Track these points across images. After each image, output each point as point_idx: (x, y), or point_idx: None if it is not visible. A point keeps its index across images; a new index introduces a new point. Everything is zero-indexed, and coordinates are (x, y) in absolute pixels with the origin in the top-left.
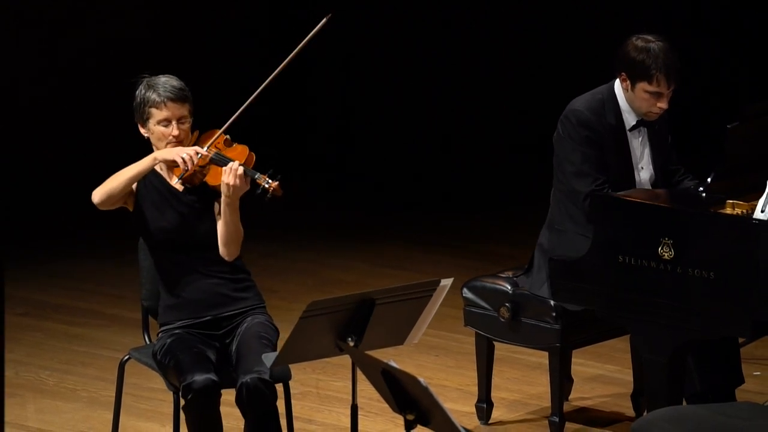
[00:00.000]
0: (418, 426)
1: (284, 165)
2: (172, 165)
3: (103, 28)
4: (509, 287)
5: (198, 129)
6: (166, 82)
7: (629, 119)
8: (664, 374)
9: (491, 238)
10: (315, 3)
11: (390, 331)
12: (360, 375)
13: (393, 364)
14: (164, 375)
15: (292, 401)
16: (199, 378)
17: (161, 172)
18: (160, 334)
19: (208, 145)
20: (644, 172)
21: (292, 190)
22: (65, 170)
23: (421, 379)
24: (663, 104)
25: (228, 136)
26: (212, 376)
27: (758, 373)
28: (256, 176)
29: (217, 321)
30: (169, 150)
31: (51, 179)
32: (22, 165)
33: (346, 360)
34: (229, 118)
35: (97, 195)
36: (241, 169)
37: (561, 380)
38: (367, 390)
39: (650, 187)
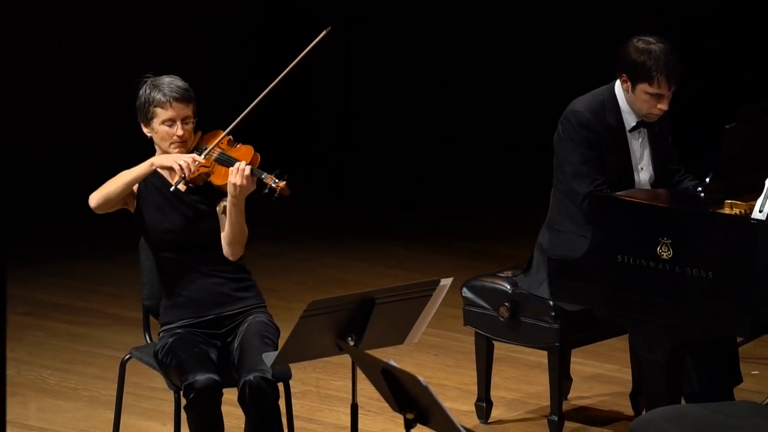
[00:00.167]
0: (418, 425)
1: (284, 165)
2: (169, 169)
3: (103, 28)
4: (508, 287)
5: (200, 129)
6: (171, 82)
7: (629, 120)
8: (663, 373)
9: (491, 238)
10: (315, 3)
11: (390, 330)
12: (360, 374)
13: (393, 363)
14: (165, 374)
15: (293, 400)
16: (201, 377)
17: (162, 173)
18: (161, 334)
19: (212, 145)
20: (644, 173)
21: (293, 190)
22: (65, 170)
23: (421, 378)
24: (663, 105)
25: (231, 137)
26: (214, 376)
27: (756, 372)
28: (263, 176)
29: (219, 320)
30: (167, 156)
31: (51, 179)
32: (23, 165)
33: (346, 359)
34: (229, 118)
35: (94, 199)
36: (248, 169)
37: (560, 379)
38: (367, 389)
39: (650, 188)
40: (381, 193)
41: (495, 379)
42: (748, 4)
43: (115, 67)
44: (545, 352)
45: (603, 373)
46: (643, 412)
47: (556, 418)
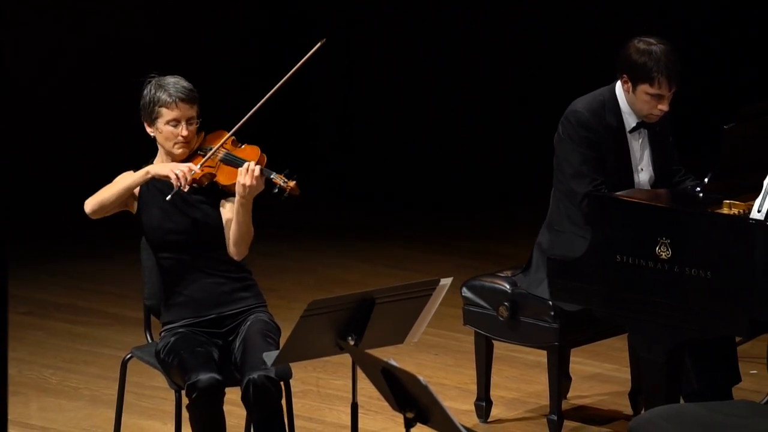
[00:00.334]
0: (418, 424)
1: (285, 165)
2: (166, 178)
3: (103, 28)
4: (508, 286)
5: (202, 130)
6: (177, 82)
7: (629, 121)
8: (662, 373)
9: (491, 238)
10: (315, 3)
11: (390, 329)
12: (360, 373)
13: (393, 362)
14: (167, 374)
15: (293, 399)
16: (204, 377)
17: None
18: (162, 333)
19: (217, 145)
20: (643, 174)
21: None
22: (65, 170)
23: (421, 378)
24: (664, 106)
25: (234, 137)
26: (216, 375)
27: (755, 371)
28: (272, 176)
29: (220, 319)
30: (163, 165)
31: (51, 179)
32: (23, 165)
33: (346, 359)
34: (229, 118)
35: (89, 205)
36: (258, 170)
37: (559, 379)
38: (367, 388)
39: (649, 189)
40: (381, 193)
41: (494, 379)
42: (748, 4)
43: (115, 67)
44: (544, 352)
45: (602, 373)
46: (642, 412)
47: (555, 418)
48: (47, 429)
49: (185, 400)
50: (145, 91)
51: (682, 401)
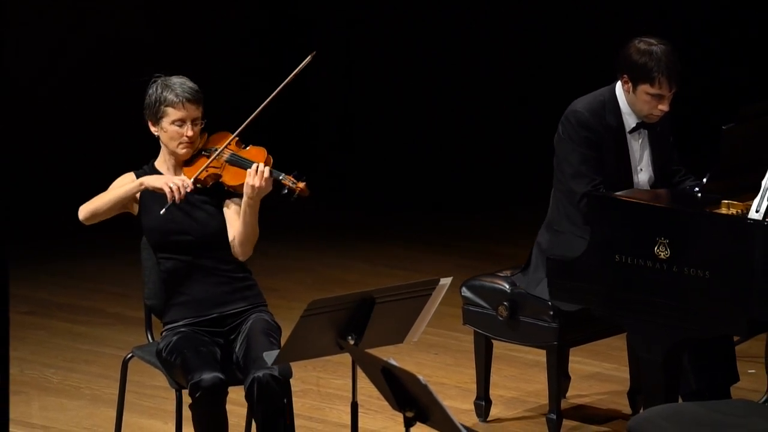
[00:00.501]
0: (418, 423)
1: (284, 164)
2: (160, 191)
3: (103, 28)
4: (507, 286)
5: (205, 131)
6: (183, 83)
7: (629, 121)
8: (661, 372)
9: (491, 238)
10: (315, 3)
11: (390, 329)
12: (360, 373)
13: (393, 362)
14: (169, 373)
15: (293, 399)
16: (207, 376)
17: (166, 174)
18: (164, 333)
19: (222, 146)
20: (643, 174)
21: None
22: (65, 170)
23: (421, 377)
24: (664, 106)
25: (238, 138)
26: (220, 375)
27: (753, 371)
28: (281, 177)
29: (221, 318)
30: (158, 177)
31: (51, 179)
32: (23, 165)
33: (346, 358)
34: (229, 117)
35: (82, 213)
36: (267, 171)
37: (558, 378)
38: (367, 388)
39: (648, 189)
40: (381, 193)
41: (494, 378)
42: (748, 4)
43: (115, 67)
44: (544, 351)
45: (601, 372)
46: (641, 411)
47: (554, 417)
48: (49, 428)
49: (186, 400)
50: (151, 91)
51: (680, 401)
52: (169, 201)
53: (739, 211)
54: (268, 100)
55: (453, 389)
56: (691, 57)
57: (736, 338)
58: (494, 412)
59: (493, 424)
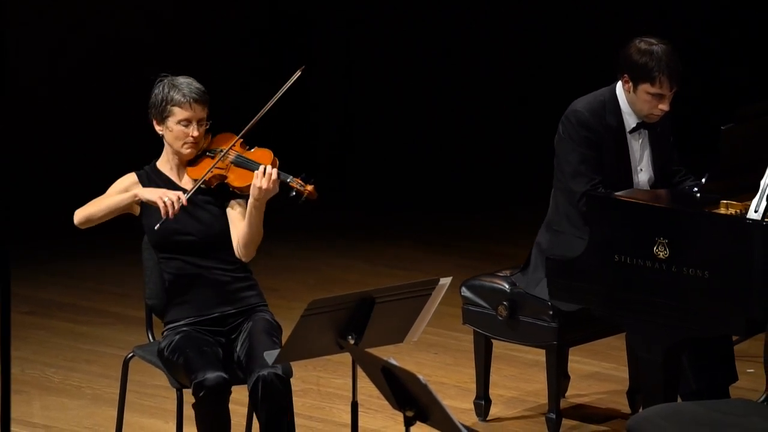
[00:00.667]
0: (418, 422)
1: (285, 164)
2: (154, 204)
3: (103, 28)
4: (507, 286)
5: (209, 131)
6: (191, 83)
7: (630, 121)
8: (660, 372)
9: (491, 238)
10: (315, 3)
11: (390, 329)
12: (360, 372)
13: (393, 361)
14: (171, 372)
15: (294, 398)
16: (211, 375)
17: (169, 174)
18: (165, 332)
19: (227, 147)
20: (643, 174)
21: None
22: (65, 170)
23: (421, 377)
24: (664, 106)
25: (242, 139)
26: (224, 374)
27: (752, 370)
28: (289, 180)
29: (223, 318)
30: (153, 190)
31: (51, 179)
32: (23, 165)
33: (346, 357)
34: (230, 118)
35: (77, 217)
36: (275, 173)
37: (558, 377)
38: (367, 387)
39: (648, 189)
40: (381, 193)
41: (493, 378)
42: (748, 4)
43: (115, 67)
44: (543, 351)
45: (600, 372)
46: (640, 410)
47: (553, 416)
48: (50, 427)
49: (187, 399)
50: (157, 90)
51: (679, 400)
52: (163, 216)
53: (738, 211)
54: (262, 112)
55: (453, 389)
56: (691, 57)
57: (735, 338)
58: (494, 411)
59: (493, 424)
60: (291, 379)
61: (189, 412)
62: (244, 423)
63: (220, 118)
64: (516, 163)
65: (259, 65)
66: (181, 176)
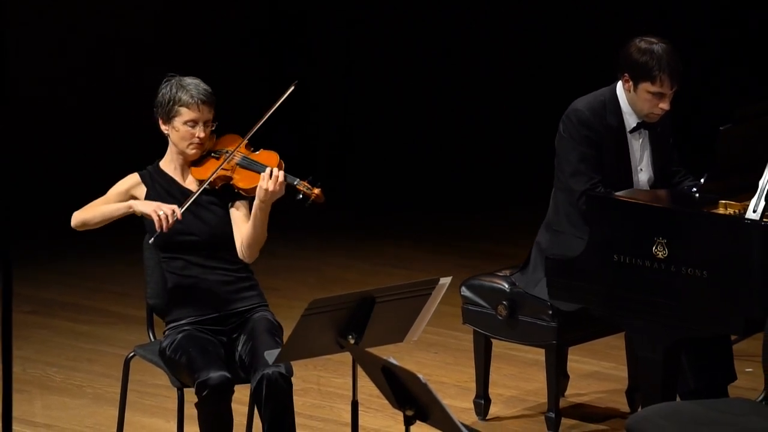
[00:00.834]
0: (418, 422)
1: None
2: (148, 217)
3: (103, 28)
4: (507, 286)
5: (214, 132)
6: (198, 84)
7: (630, 121)
8: (659, 371)
9: (491, 238)
10: (315, 3)
11: (390, 328)
12: (360, 372)
13: (393, 361)
14: (173, 371)
15: (294, 397)
16: (215, 375)
17: (173, 174)
18: (167, 331)
19: (233, 149)
20: (643, 174)
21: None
22: (66, 170)
23: (421, 376)
24: (665, 105)
25: (247, 141)
26: (227, 373)
27: (750, 369)
28: (296, 182)
29: (224, 317)
30: (148, 203)
31: (52, 179)
32: (23, 165)
33: (346, 357)
34: (230, 118)
35: (74, 220)
36: (282, 176)
37: (557, 377)
38: (367, 386)
39: (648, 189)
40: (381, 193)
41: (493, 377)
42: (748, 4)
43: (115, 67)
44: (543, 350)
45: (599, 371)
46: (639, 410)
47: (553, 415)
48: (51, 426)
49: (188, 398)
50: (165, 90)
51: (678, 400)
52: (157, 229)
53: (737, 211)
54: (262, 120)
55: (452, 388)
56: (691, 57)
57: (733, 337)
58: (493, 410)
59: (493, 423)
60: (292, 379)
61: (190, 412)
62: (245, 422)
63: (219, 118)
64: (516, 163)
65: (259, 65)
66: (185, 176)
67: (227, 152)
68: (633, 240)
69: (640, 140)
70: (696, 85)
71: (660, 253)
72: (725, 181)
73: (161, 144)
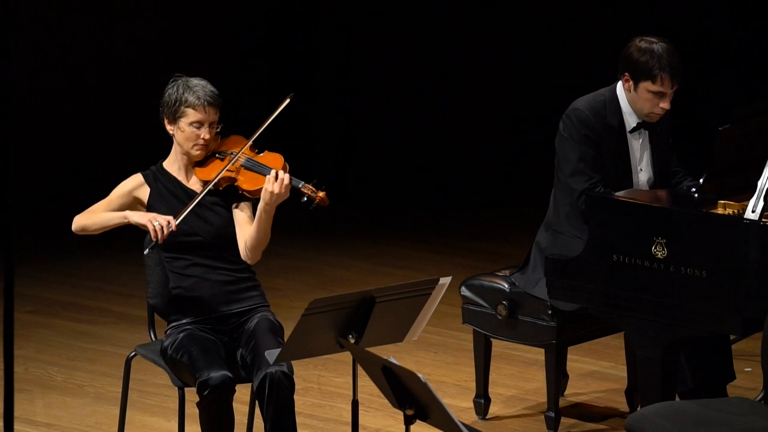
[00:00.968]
0: (418, 421)
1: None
2: (143, 227)
3: (104, 28)
4: (506, 285)
5: (219, 135)
6: (205, 85)
7: (630, 121)
8: (658, 371)
9: (491, 238)
10: (315, 3)
11: (390, 328)
12: (361, 371)
13: (393, 360)
14: (175, 371)
15: (294, 397)
16: (216, 374)
17: (177, 174)
18: (169, 330)
19: (239, 151)
20: (643, 174)
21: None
22: (67, 170)
23: (421, 375)
24: (665, 104)
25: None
26: (228, 373)
27: (749, 369)
28: (301, 185)
29: (225, 317)
30: (144, 214)
31: (53, 179)
32: (24, 165)
33: (347, 356)
34: (230, 118)
35: (75, 224)
36: (287, 178)
37: (557, 376)
38: (367, 386)
39: (648, 189)
40: (381, 193)
41: (493, 376)
42: (748, 5)
43: (116, 67)
44: (542, 350)
45: (599, 370)
46: (638, 409)
47: (552, 414)
48: (52, 425)
49: (189, 398)
50: (171, 90)
51: (677, 399)
52: (152, 240)
53: (736, 211)
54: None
55: (452, 387)
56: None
57: (732, 337)
58: (493, 410)
59: (492, 422)
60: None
61: (191, 411)
62: (245, 422)
63: (220, 118)
64: (516, 163)
65: (259, 65)
66: (189, 177)
67: (232, 154)
68: (632, 240)
69: (640, 140)
70: (695, 85)
71: (659, 253)
72: (724, 181)
73: (162, 144)
